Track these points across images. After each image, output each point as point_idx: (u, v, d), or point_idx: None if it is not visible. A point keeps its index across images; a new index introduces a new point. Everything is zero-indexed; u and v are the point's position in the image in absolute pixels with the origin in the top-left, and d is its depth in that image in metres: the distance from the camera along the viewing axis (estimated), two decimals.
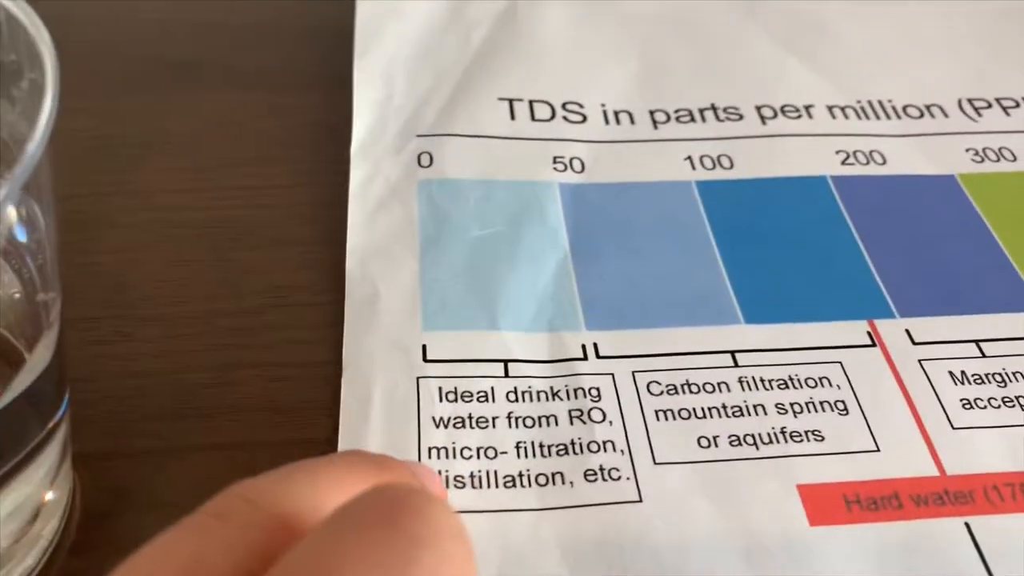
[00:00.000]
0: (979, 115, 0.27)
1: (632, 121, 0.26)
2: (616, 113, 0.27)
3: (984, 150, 0.26)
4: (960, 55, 0.29)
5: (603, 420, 0.19)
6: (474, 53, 0.28)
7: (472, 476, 0.18)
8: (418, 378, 0.20)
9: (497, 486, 0.18)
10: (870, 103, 0.27)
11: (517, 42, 0.28)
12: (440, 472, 0.18)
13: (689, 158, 0.25)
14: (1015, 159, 0.26)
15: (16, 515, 0.16)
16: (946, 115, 0.27)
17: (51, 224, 0.15)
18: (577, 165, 0.25)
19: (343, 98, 0.26)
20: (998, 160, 0.26)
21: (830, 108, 0.27)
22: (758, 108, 0.27)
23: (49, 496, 0.17)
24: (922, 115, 0.27)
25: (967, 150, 0.26)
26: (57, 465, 0.17)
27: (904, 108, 0.27)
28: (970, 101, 0.28)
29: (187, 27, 0.29)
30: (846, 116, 0.27)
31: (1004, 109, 0.27)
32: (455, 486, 0.18)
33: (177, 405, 0.19)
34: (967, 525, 0.18)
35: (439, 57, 0.28)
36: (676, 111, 0.27)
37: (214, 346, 0.21)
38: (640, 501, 0.18)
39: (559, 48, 0.28)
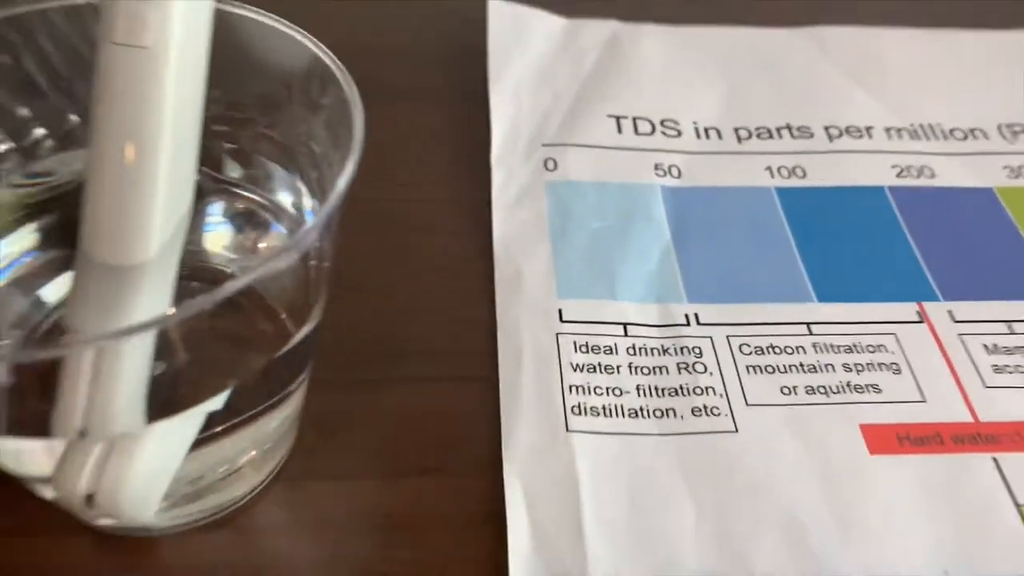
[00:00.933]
0: (1016, 137, 0.32)
1: (720, 136, 0.32)
2: (706, 129, 0.32)
3: (1019, 167, 0.31)
4: (1000, 84, 0.34)
5: (704, 372, 0.24)
6: (585, 77, 0.33)
7: (604, 408, 0.23)
8: (557, 334, 0.25)
9: (624, 416, 0.23)
10: (921, 126, 0.32)
11: (620, 68, 0.34)
12: (579, 404, 0.23)
13: (768, 168, 0.30)
14: None
15: (264, 442, 0.22)
16: (987, 137, 0.32)
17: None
18: (675, 172, 0.30)
19: (477, 113, 0.32)
20: None
21: (887, 129, 0.32)
22: (826, 128, 0.32)
23: (287, 426, 0.22)
24: (966, 137, 0.32)
25: (1004, 167, 0.31)
26: (302, 403, 0.22)
27: (951, 131, 0.32)
28: (1008, 126, 0.32)
29: (343, 51, 0.35)
30: (900, 137, 0.32)
31: None
32: (591, 415, 0.23)
33: (375, 348, 0.25)
34: (995, 460, 0.23)
35: (556, 80, 0.33)
36: (756, 128, 0.32)
37: (401, 306, 0.26)
38: (736, 432, 0.23)
39: (656, 73, 0.34)
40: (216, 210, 0.23)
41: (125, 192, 0.19)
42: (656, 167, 0.30)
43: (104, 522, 0.21)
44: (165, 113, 0.19)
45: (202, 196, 0.21)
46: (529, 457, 0.22)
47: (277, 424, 0.21)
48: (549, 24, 0.35)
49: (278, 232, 0.22)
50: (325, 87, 0.20)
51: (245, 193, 0.23)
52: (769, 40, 0.35)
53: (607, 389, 0.24)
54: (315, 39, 0.20)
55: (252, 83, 0.21)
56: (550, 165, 0.30)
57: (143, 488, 0.20)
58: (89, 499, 0.20)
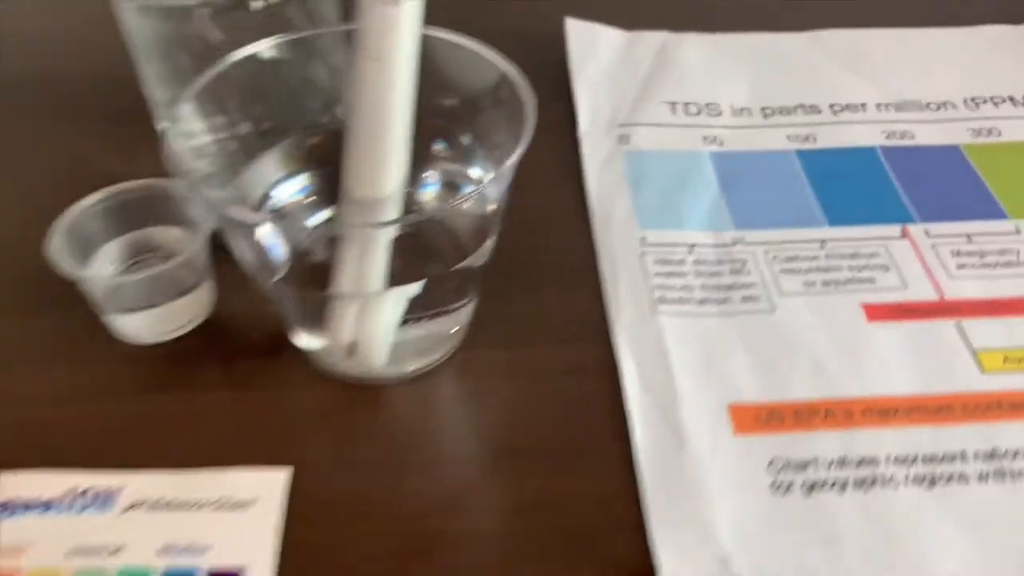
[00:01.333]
0: (977, 107, 0.42)
1: (750, 114, 0.42)
2: (740, 109, 0.42)
3: (979, 129, 0.41)
4: (965, 67, 0.44)
5: (749, 275, 0.34)
6: (644, 75, 0.44)
7: (678, 299, 0.33)
8: (641, 253, 0.35)
9: (692, 304, 0.33)
10: (904, 101, 0.42)
11: (671, 67, 0.44)
12: (661, 296, 0.33)
13: (788, 136, 0.40)
14: (1000, 134, 0.41)
15: (451, 325, 0.32)
16: (955, 108, 0.42)
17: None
18: (718, 141, 0.40)
19: (562, 99, 0.42)
20: (989, 135, 0.40)
21: (877, 105, 0.42)
22: (831, 105, 0.42)
23: (465, 317, 0.32)
24: (939, 108, 0.42)
25: (968, 129, 0.41)
26: (475, 303, 0.32)
27: (927, 104, 0.42)
28: (972, 99, 0.42)
29: None
30: (887, 110, 0.42)
31: (994, 103, 0.42)
32: (670, 303, 0.33)
33: (512, 268, 0.35)
34: (956, 324, 0.32)
35: (623, 78, 0.43)
36: (778, 107, 0.42)
37: (527, 242, 0.36)
38: (774, 311, 0.33)
39: (699, 69, 0.44)
40: (429, 175, 0.33)
41: (373, 153, 0.29)
42: (704, 138, 0.40)
43: (348, 370, 0.31)
44: (396, 102, 0.29)
45: (421, 164, 0.31)
46: (631, 332, 0.32)
47: (460, 312, 0.32)
48: (613, 36, 0.46)
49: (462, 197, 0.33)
50: (508, 90, 0.30)
51: (448, 165, 0.33)
52: (784, 42, 0.46)
53: (679, 287, 0.34)
54: (502, 56, 0.30)
55: (457, 88, 0.32)
56: (624, 140, 0.40)
57: (382, 336, 0.30)
58: (351, 346, 0.30)
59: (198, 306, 0.33)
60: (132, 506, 0.28)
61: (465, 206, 0.30)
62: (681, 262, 0.35)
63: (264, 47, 0.31)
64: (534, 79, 0.29)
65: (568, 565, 0.27)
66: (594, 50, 0.45)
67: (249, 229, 0.29)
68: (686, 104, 0.42)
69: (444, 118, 0.31)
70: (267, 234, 0.30)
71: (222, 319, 0.34)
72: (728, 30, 0.46)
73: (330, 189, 0.30)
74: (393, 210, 0.30)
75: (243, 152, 0.32)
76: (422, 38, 0.29)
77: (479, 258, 0.31)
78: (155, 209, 0.34)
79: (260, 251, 0.29)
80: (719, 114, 0.42)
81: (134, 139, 0.38)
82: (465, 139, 0.32)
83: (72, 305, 0.33)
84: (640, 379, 0.31)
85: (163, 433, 0.30)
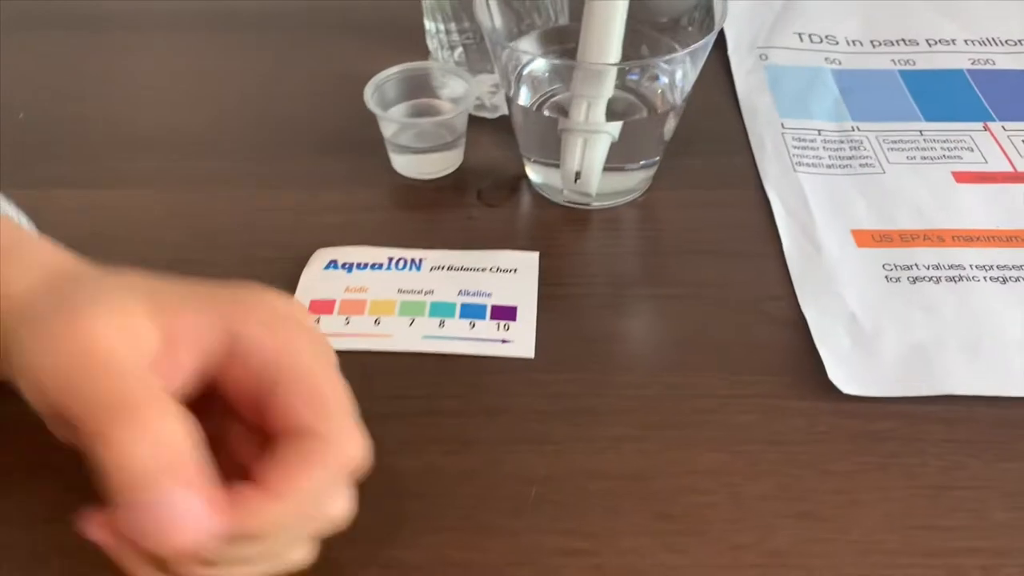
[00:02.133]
0: None
1: (861, 44, 0.53)
2: (853, 40, 0.53)
3: None
4: None
5: (865, 151, 0.45)
6: (776, 11, 0.55)
7: (811, 163, 0.45)
8: (782, 133, 0.46)
9: (823, 167, 0.44)
10: (987, 39, 0.53)
11: (797, 6, 0.55)
12: (799, 160, 0.45)
13: (893, 60, 0.52)
14: None
15: (649, 168, 0.43)
16: None
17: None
18: (837, 62, 0.52)
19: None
20: None
21: (965, 40, 0.53)
22: (927, 39, 0.53)
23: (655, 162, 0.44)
24: (1016, 44, 0.52)
25: None
26: (661, 155, 0.44)
27: (1004, 40, 0.53)
28: None
29: None
30: (973, 44, 0.52)
31: None
32: (806, 165, 0.44)
33: (677, 142, 0.46)
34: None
35: (759, 12, 0.55)
36: (883, 40, 0.53)
37: (688, 129, 0.47)
38: (884, 173, 0.44)
39: (819, 9, 0.55)
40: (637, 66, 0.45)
41: (603, 30, 0.41)
42: (825, 59, 0.52)
43: (569, 197, 0.43)
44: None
45: (631, 57, 0.43)
46: (777, 182, 0.44)
47: (650, 167, 0.43)
48: None
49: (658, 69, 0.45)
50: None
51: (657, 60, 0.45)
52: None
53: (812, 155, 0.45)
54: None
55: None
56: (763, 57, 0.52)
57: (598, 167, 0.41)
58: (577, 175, 0.42)
59: (453, 158, 0.45)
60: (433, 268, 0.40)
61: (658, 89, 0.42)
62: (812, 140, 0.46)
63: None
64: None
65: (740, 322, 0.38)
66: None
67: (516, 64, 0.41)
68: (810, 35, 0.53)
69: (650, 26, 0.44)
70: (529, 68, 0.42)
71: (469, 170, 0.46)
72: None
73: (566, 66, 0.42)
74: (611, 79, 0.42)
75: (507, 36, 0.44)
76: None
77: (669, 122, 0.42)
78: (432, 84, 0.46)
79: (524, 83, 0.42)
80: (836, 43, 0.53)
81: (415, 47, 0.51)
82: (663, 40, 0.44)
83: (368, 148, 0.45)
84: (785, 209, 0.42)
85: (441, 229, 0.42)
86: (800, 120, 0.48)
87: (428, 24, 0.49)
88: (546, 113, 0.43)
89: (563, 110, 0.41)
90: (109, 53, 0.56)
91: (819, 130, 0.47)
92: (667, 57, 0.43)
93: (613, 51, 0.41)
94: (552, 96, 0.45)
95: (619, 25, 0.40)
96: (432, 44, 0.50)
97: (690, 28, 0.43)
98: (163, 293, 0.26)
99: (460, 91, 0.45)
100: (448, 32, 0.48)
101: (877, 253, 0.40)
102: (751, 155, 0.46)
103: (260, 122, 0.50)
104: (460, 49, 0.49)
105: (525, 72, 0.45)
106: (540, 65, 0.44)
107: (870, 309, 0.38)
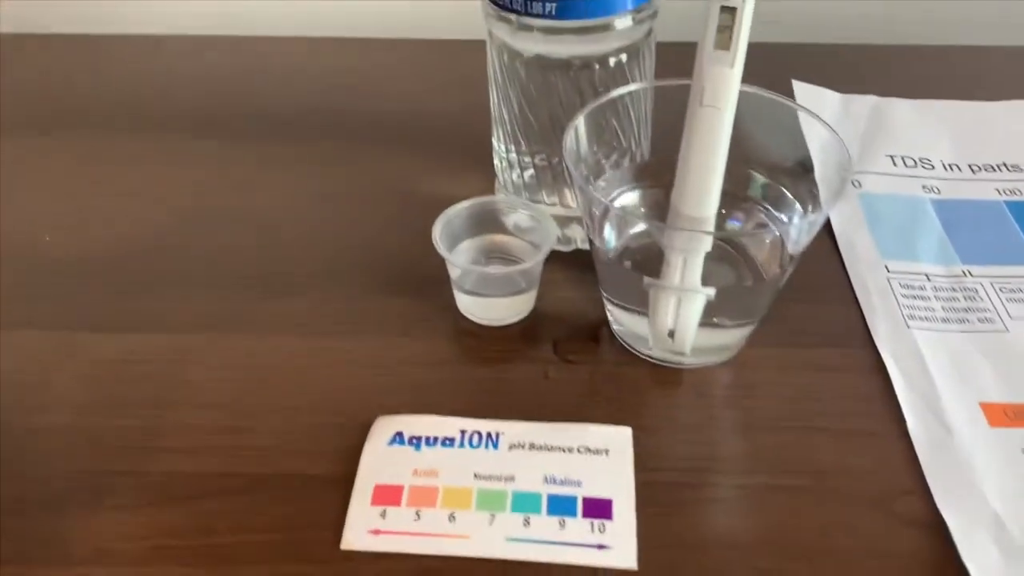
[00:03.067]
0: None
1: (959, 169, 0.49)
2: (950, 164, 0.49)
3: None
4: None
5: (981, 301, 0.41)
6: (863, 131, 0.51)
7: (926, 318, 0.40)
8: (888, 278, 0.42)
9: (937, 322, 0.40)
10: None
11: (886, 125, 0.51)
12: (911, 315, 0.40)
13: (997, 188, 0.47)
14: None
15: (744, 332, 0.39)
16: None
17: None
18: (936, 190, 0.47)
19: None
20: None
21: None
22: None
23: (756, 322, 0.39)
24: None
25: None
26: (765, 313, 0.39)
27: None
28: None
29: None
30: None
31: None
32: (919, 320, 0.40)
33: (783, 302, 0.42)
34: None
35: (845, 132, 0.50)
36: (984, 164, 0.49)
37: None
38: (1007, 331, 0.39)
39: (909, 129, 0.51)
40: (738, 212, 0.41)
41: (701, 181, 0.36)
42: (923, 187, 0.47)
43: (658, 354, 0.38)
44: (723, 144, 0.36)
45: (733, 199, 0.39)
46: (891, 341, 0.39)
47: (748, 326, 0.39)
48: (832, 97, 0.53)
49: (770, 232, 0.40)
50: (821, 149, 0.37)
51: (759, 205, 0.40)
52: (982, 109, 0.53)
53: (924, 308, 0.41)
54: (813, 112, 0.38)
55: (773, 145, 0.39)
56: (856, 184, 0.47)
57: (693, 326, 0.37)
58: (671, 333, 0.37)
59: (525, 303, 0.41)
60: (512, 447, 0.35)
61: (767, 239, 0.38)
62: (922, 288, 0.42)
63: (625, 91, 0.39)
64: None
65: (869, 526, 0.33)
66: (818, 108, 0.52)
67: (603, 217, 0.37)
68: (903, 157, 0.49)
69: (760, 166, 0.39)
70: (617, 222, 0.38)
71: (543, 315, 0.41)
72: (926, 97, 0.54)
73: (654, 203, 0.38)
74: (711, 226, 0.37)
75: (590, 170, 0.40)
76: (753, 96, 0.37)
77: (771, 286, 0.38)
78: (504, 219, 0.42)
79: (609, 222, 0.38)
80: (932, 167, 0.49)
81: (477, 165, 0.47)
82: (769, 184, 0.40)
83: (429, 283, 0.41)
84: (903, 376, 0.38)
85: (514, 390, 0.38)
86: (905, 262, 0.43)
87: (496, 143, 0.45)
88: (631, 268, 0.38)
89: (652, 252, 0.37)
90: (126, 166, 0.51)
91: (927, 275, 0.42)
92: (757, 231, 0.39)
93: (712, 202, 0.37)
94: (640, 238, 0.40)
95: (719, 176, 0.36)
96: (499, 162, 0.45)
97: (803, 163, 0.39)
98: None
99: (535, 229, 0.41)
100: (519, 153, 0.43)
101: (1013, 434, 0.36)
102: (856, 304, 0.41)
103: (306, 250, 0.45)
104: (531, 171, 0.44)
105: (610, 212, 0.41)
106: (629, 203, 0.40)
107: (1014, 508, 0.33)
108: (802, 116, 0.39)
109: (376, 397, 0.37)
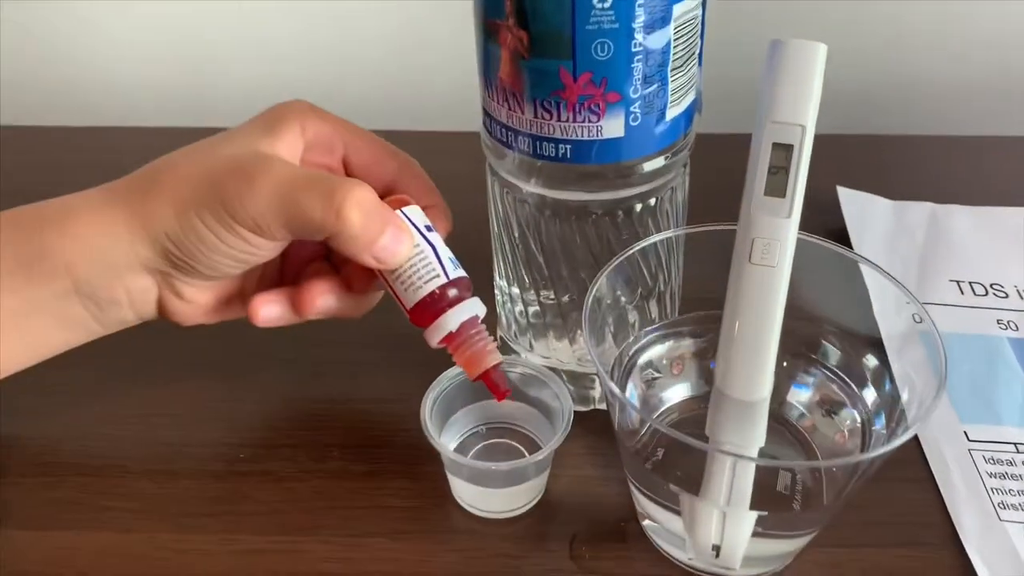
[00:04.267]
0: None
1: None
2: None
3: None
4: None
5: None
6: (921, 247, 0.44)
7: (1021, 505, 0.33)
8: (969, 450, 0.35)
9: None
10: None
11: (947, 241, 0.44)
12: (1002, 502, 0.33)
13: None
14: None
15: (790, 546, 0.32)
16: None
17: None
18: (1013, 326, 0.40)
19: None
20: None
21: None
22: None
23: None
24: None
25: None
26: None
27: None
28: None
29: None
30: None
31: None
32: (1012, 509, 0.33)
33: None
34: None
35: (899, 249, 0.44)
36: None
37: None
38: None
39: (975, 245, 0.44)
40: (804, 375, 0.34)
41: (753, 356, 0.30)
42: (998, 322, 0.40)
43: (702, 566, 0.31)
44: (778, 310, 0.29)
45: (802, 359, 0.32)
46: (979, 540, 0.32)
47: (807, 536, 0.31)
48: (882, 205, 0.46)
49: (849, 413, 0.33)
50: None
51: (833, 373, 0.34)
52: None
53: (1017, 491, 0.34)
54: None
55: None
56: (917, 319, 0.40)
57: (742, 544, 0.30)
58: (716, 548, 0.30)
59: (533, 490, 0.34)
60: None
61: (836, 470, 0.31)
62: (1011, 464, 0.35)
63: (655, 240, 0.32)
64: None
65: None
66: (866, 219, 0.45)
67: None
68: (971, 283, 0.42)
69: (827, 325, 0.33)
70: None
71: (556, 501, 0.34)
72: (993, 203, 0.47)
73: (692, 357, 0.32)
74: (764, 414, 0.30)
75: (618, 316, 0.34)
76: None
77: (832, 509, 0.31)
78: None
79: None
80: (1006, 296, 0.42)
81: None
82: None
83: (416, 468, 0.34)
84: None
85: None
86: (987, 427, 0.36)
87: (496, 276, 0.38)
88: (661, 467, 0.31)
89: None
90: None
91: (1016, 445, 0.35)
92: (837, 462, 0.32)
93: (766, 381, 0.30)
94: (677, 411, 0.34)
95: (773, 348, 0.29)
96: (499, 296, 0.38)
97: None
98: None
99: (543, 390, 0.34)
100: (523, 289, 0.36)
101: None
102: (932, 483, 0.34)
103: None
104: (535, 308, 0.37)
105: (635, 371, 0.34)
106: (656, 357, 0.33)
107: None
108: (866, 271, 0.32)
109: None
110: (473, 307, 0.32)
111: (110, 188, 0.32)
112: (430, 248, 0.31)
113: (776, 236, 0.29)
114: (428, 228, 0.32)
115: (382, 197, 0.32)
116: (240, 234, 0.30)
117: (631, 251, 0.32)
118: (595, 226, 0.32)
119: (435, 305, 0.31)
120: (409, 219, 0.31)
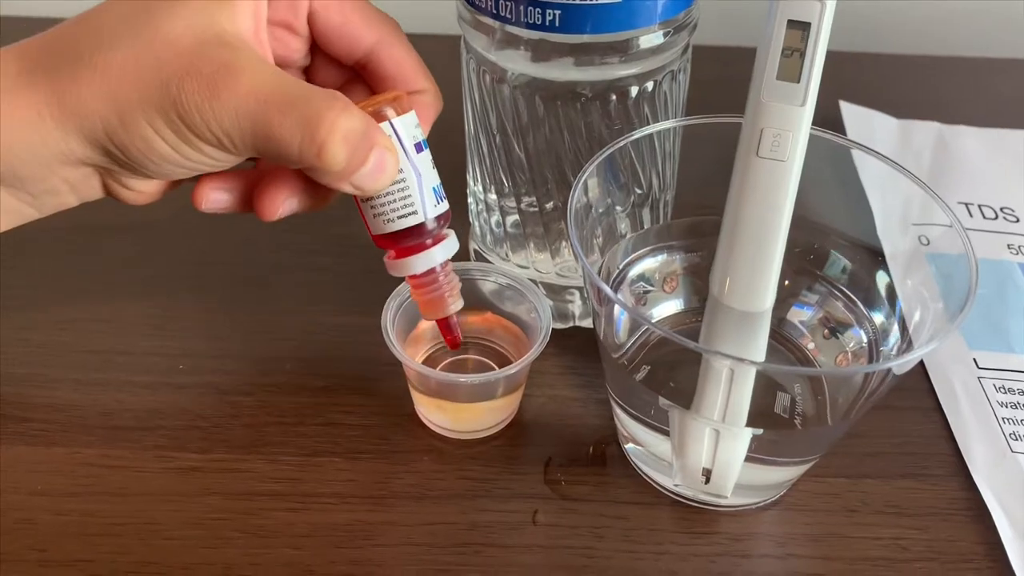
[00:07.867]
0: None
1: None
2: None
3: None
4: None
5: None
6: (928, 169, 0.41)
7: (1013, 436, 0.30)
8: (979, 378, 0.32)
9: None
10: None
11: (954, 162, 0.41)
12: (1014, 432, 0.30)
13: None
14: None
15: (795, 470, 0.29)
16: None
17: None
18: None
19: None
20: None
21: None
22: None
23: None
24: None
25: None
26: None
27: None
28: None
29: None
30: None
31: None
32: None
33: None
34: None
35: (906, 166, 0.40)
36: None
37: None
38: None
39: (984, 168, 0.41)
40: (807, 293, 0.31)
41: (756, 263, 0.26)
42: (1008, 247, 0.38)
43: (688, 493, 0.28)
44: (786, 208, 0.26)
45: (805, 276, 0.29)
46: (990, 472, 0.29)
47: (805, 464, 0.29)
48: (887, 123, 0.43)
49: (855, 334, 0.30)
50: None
51: (838, 290, 0.30)
52: None
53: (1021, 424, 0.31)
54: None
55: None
56: (923, 240, 0.37)
57: (735, 468, 0.27)
58: (706, 473, 0.27)
59: (505, 408, 0.30)
60: None
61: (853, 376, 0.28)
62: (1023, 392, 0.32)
63: (651, 130, 0.29)
64: None
65: None
66: (871, 136, 0.42)
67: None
68: (980, 206, 0.39)
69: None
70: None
71: (530, 422, 0.31)
72: (1002, 125, 0.44)
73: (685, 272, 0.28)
74: (766, 331, 0.27)
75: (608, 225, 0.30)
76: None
77: (834, 434, 0.28)
78: (475, 292, 0.31)
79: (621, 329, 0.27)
80: (1017, 220, 0.39)
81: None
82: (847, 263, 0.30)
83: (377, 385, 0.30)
84: (1012, 527, 0.28)
85: (494, 542, 0.27)
86: (998, 354, 0.33)
87: (471, 180, 0.34)
88: (649, 379, 0.28)
89: (681, 356, 0.27)
90: None
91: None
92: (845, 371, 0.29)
93: (769, 292, 0.27)
94: (663, 323, 0.30)
95: (778, 255, 0.26)
96: (474, 204, 0.35)
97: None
98: None
99: (520, 304, 0.31)
100: (502, 195, 0.33)
101: None
102: (939, 413, 0.32)
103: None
104: (515, 218, 0.34)
105: (624, 285, 0.31)
106: (648, 271, 0.30)
107: None
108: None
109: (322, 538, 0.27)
110: (445, 251, 0.28)
111: (23, 54, 0.26)
112: (415, 176, 0.26)
113: (788, 126, 0.25)
114: (418, 147, 0.27)
115: (361, 81, 0.28)
116: (198, 147, 0.25)
117: (624, 141, 0.28)
118: (584, 113, 0.28)
119: (401, 243, 0.27)
120: (398, 135, 0.26)
